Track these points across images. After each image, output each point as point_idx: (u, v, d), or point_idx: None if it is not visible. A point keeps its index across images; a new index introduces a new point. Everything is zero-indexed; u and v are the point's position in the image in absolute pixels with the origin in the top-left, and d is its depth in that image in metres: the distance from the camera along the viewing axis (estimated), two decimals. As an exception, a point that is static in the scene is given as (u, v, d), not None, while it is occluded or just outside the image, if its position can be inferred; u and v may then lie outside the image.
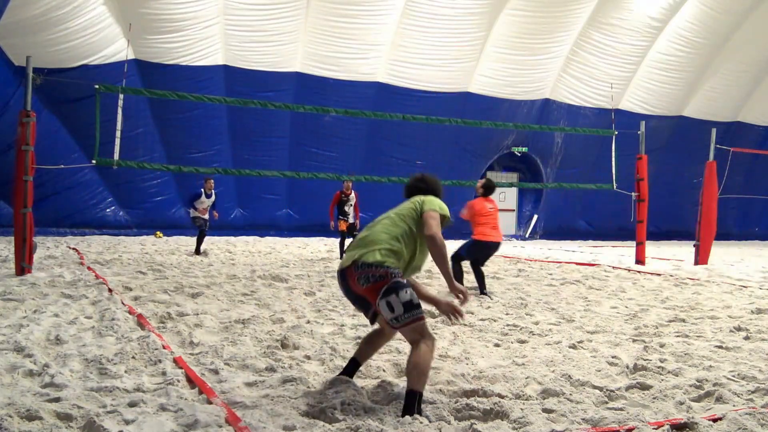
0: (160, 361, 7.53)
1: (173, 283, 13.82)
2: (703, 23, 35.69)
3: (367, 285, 6.28)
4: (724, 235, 37.83)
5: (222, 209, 31.55)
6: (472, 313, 11.36)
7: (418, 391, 5.98)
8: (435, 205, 6.67)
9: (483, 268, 14.37)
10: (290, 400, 6.29)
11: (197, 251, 21.59)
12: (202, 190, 21.72)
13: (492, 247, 14.59)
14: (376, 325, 6.98)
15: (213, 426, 5.50)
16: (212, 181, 22.15)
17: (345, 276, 6.47)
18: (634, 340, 9.42)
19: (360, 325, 9.96)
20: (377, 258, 6.33)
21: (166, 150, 30.66)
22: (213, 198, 22.06)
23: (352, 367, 7.02)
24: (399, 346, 8.49)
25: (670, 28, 35.87)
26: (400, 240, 6.51)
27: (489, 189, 14.63)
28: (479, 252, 14.46)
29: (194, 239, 24.43)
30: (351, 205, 21.63)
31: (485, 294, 13.66)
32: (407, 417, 5.78)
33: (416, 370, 5.99)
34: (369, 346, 7.07)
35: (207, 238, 29.03)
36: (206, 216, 21.94)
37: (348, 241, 19.67)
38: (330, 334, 9.39)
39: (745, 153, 33.35)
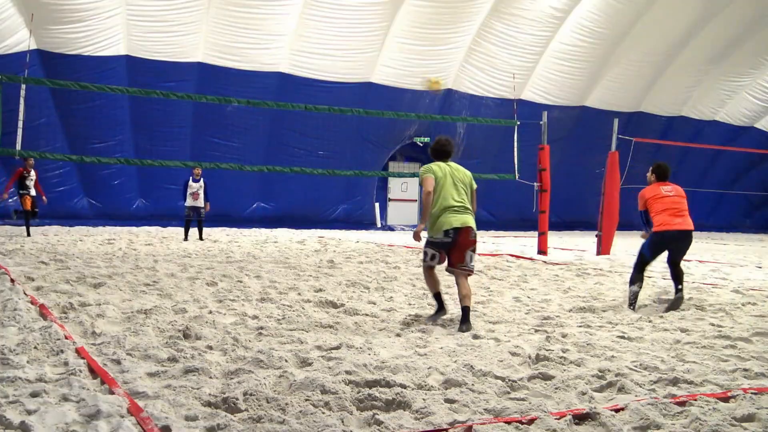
0: (62, 351, 7.45)
1: (75, 274, 13.67)
2: (605, 13, 35.89)
3: (472, 239, 9.85)
4: (626, 225, 38.29)
5: (124, 200, 31.37)
6: (374, 303, 11.50)
7: (470, 306, 9.72)
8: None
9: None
10: (192, 390, 6.24)
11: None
12: None
13: (676, 236, 12.04)
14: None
15: (115, 416, 5.44)
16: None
17: (461, 231, 9.72)
18: (536, 331, 9.42)
19: (262, 316, 10.01)
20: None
21: (68, 140, 30.31)
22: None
23: (440, 298, 10.21)
24: (302, 336, 8.61)
25: (573, 19, 36.07)
26: None
27: (659, 173, 12.67)
28: (664, 246, 12.18)
29: (99, 229, 24.38)
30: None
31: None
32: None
33: (468, 296, 9.74)
34: (435, 279, 10.24)
35: (109, 229, 28.87)
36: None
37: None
38: (232, 324, 9.34)
39: (647, 143, 33.95)
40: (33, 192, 23.84)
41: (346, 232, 31.79)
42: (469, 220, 9.83)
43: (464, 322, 9.51)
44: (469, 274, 9.96)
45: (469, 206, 9.96)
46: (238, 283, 13.28)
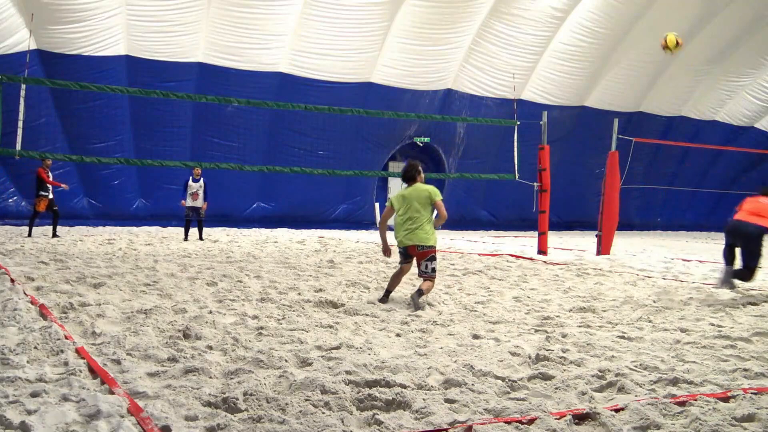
0: (62, 351, 7.44)
1: (75, 274, 13.66)
2: (605, 13, 35.84)
3: (421, 251, 11.56)
4: (626, 225, 38.22)
5: (124, 200, 31.38)
6: (374, 303, 11.47)
7: (424, 291, 11.26)
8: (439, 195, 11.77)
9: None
10: (192, 390, 6.24)
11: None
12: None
13: (733, 227, 12.75)
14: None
15: (115, 416, 5.43)
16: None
17: (408, 247, 11.55)
18: (536, 330, 9.40)
19: (262, 316, 10.00)
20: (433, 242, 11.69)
21: (68, 140, 30.32)
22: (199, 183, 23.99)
23: (387, 296, 11.67)
24: (302, 336, 8.59)
25: (573, 19, 36.00)
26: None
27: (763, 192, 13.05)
28: (727, 237, 12.94)
29: (99, 229, 24.41)
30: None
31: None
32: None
33: (427, 289, 11.41)
34: (397, 280, 11.84)
35: (109, 229, 28.87)
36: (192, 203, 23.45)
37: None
38: (232, 324, 9.33)
39: (647, 143, 33.84)
40: (51, 194, 23.96)
41: (346, 232, 31.82)
42: (415, 238, 11.52)
43: (417, 294, 11.21)
44: (431, 278, 11.65)
45: (420, 224, 11.53)
46: (238, 283, 13.27)
